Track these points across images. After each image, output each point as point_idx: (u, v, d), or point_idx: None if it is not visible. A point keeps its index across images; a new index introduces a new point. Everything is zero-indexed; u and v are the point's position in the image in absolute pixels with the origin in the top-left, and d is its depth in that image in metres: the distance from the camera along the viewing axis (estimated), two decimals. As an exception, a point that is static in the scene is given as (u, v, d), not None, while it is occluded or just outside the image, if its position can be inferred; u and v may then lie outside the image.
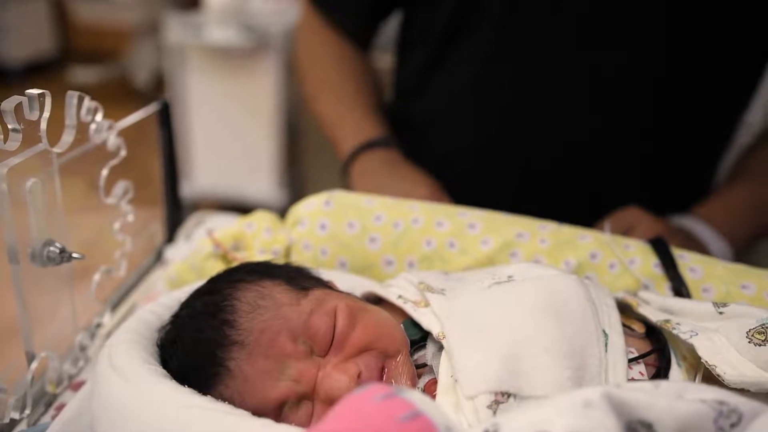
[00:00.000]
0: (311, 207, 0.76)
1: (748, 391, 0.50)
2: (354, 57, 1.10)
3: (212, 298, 0.54)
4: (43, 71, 4.70)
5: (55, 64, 4.83)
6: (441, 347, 0.54)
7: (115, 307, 0.77)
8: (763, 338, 0.51)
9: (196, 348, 0.52)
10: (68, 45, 5.04)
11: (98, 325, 0.72)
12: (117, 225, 0.71)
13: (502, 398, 0.47)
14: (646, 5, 0.87)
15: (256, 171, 3.01)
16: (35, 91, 0.52)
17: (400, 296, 0.59)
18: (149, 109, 0.86)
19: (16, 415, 0.58)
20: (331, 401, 0.49)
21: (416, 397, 0.37)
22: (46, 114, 0.54)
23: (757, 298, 0.66)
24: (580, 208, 0.89)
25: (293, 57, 2.70)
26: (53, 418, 0.61)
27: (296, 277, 0.57)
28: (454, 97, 1.01)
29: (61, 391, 0.65)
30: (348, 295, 0.58)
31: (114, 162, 0.67)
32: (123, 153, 0.68)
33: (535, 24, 0.90)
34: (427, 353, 0.55)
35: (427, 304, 0.57)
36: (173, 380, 0.50)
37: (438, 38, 0.98)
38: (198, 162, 3.01)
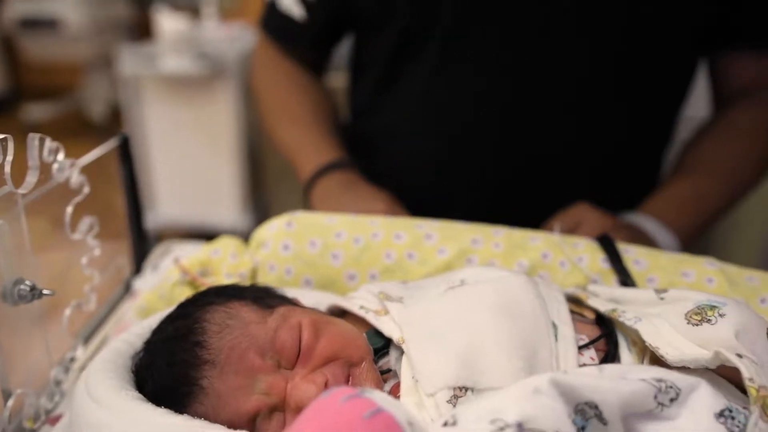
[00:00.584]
0: (273, 229, 0.78)
1: (689, 368, 0.54)
2: (309, 83, 1.14)
3: (183, 322, 0.57)
4: (-4, 110, 4.64)
5: (7, 102, 4.77)
6: (403, 352, 0.57)
7: (86, 340, 0.78)
8: (699, 318, 0.55)
9: (169, 370, 0.54)
10: (20, 82, 4.98)
11: (72, 359, 0.73)
12: (84, 260, 0.73)
13: (460, 392, 0.50)
14: (586, 15, 0.92)
15: (220, 198, 3.02)
16: (-1, 136, 0.54)
17: (361, 306, 0.62)
18: (109, 145, 0.88)
19: (-5, 453, 0.59)
20: (301, 410, 0.52)
21: (378, 396, 0.40)
22: (10, 157, 0.56)
23: (696, 284, 0.71)
24: (533, 212, 0.93)
25: (250, 83, 2.73)
26: (33, 452, 0.62)
27: (262, 297, 0.60)
28: (405, 115, 1.05)
29: (39, 426, 0.66)
30: (312, 310, 0.61)
31: (78, 199, 0.69)
32: (86, 190, 0.69)
33: (478, 40, 0.94)
34: (391, 359, 0.58)
35: (387, 313, 0.60)
36: (149, 403, 0.52)
37: (387, 59, 1.02)
38: (160, 192, 3.01)
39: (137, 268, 0.96)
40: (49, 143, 0.62)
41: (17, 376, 0.63)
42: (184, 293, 0.76)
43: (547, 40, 0.94)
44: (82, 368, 0.75)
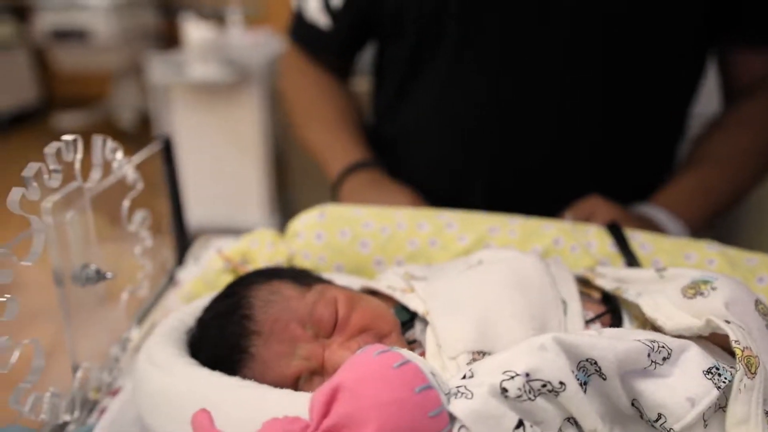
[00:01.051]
0: (307, 221, 0.86)
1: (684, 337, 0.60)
2: (335, 87, 1.22)
3: (231, 300, 0.64)
4: (28, 120, 4.79)
5: (39, 112, 4.92)
6: (426, 324, 0.64)
7: (139, 323, 0.86)
8: (693, 292, 0.61)
9: (221, 340, 0.62)
10: (51, 92, 5.14)
11: (127, 339, 0.81)
12: (138, 250, 0.81)
13: (478, 356, 0.57)
14: (591, 19, 0.98)
15: (247, 199, 3.11)
16: (70, 137, 0.62)
17: (389, 286, 0.69)
18: (154, 147, 0.96)
19: (67, 417, 0.67)
20: (337, 373, 0.59)
21: (405, 351, 0.47)
22: (79, 155, 0.64)
23: (698, 265, 0.77)
24: (546, 206, 0.99)
25: (278, 90, 2.81)
26: (97, 419, 0.70)
27: (300, 276, 0.68)
28: (419, 120, 1.13)
29: (101, 397, 0.74)
30: (345, 287, 0.69)
31: (133, 194, 0.76)
32: (140, 185, 0.77)
33: (488, 48, 1.01)
34: (416, 331, 0.65)
35: (412, 290, 0.67)
36: (205, 368, 0.59)
37: (404, 66, 1.10)
38: (190, 196, 3.09)
39: (180, 260, 1.04)
40: (110, 143, 0.70)
41: (82, 352, 0.71)
42: (227, 280, 0.83)
43: (551, 41, 0.99)
44: (136, 348, 0.83)
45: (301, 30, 1.22)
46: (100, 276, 0.68)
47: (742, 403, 0.52)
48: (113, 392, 0.75)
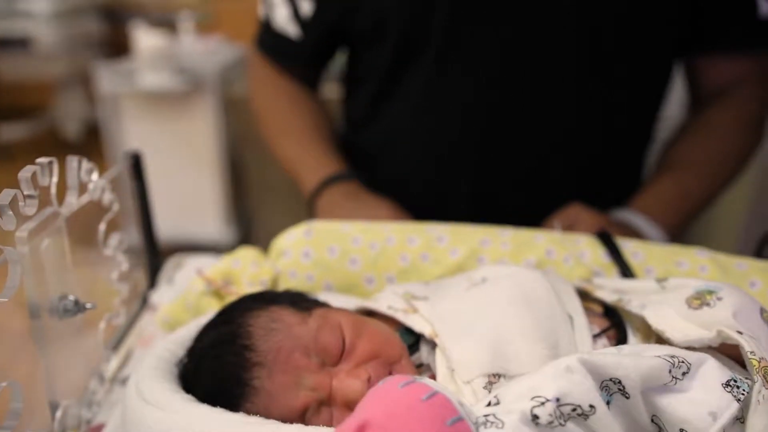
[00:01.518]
0: (293, 238, 0.82)
1: (694, 348, 0.59)
2: (306, 98, 1.18)
3: (228, 328, 0.61)
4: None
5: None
6: (433, 346, 0.61)
7: (114, 350, 0.81)
8: (699, 303, 0.61)
9: (220, 373, 0.58)
10: (-9, 103, 4.92)
11: (104, 371, 0.76)
12: (114, 274, 0.76)
13: (494, 379, 0.55)
14: (569, 24, 0.98)
15: (203, 211, 3.03)
16: (45, 159, 0.57)
17: (389, 306, 0.67)
18: (123, 163, 0.91)
19: (47, 462, 0.62)
20: (348, 404, 0.56)
21: (430, 381, 0.45)
22: (55, 179, 0.59)
23: (691, 272, 0.77)
24: (526, 214, 0.98)
25: (249, 102, 2.76)
26: (80, 460, 0.65)
27: (298, 301, 0.64)
28: (399, 129, 1.10)
29: (82, 436, 0.69)
30: (346, 310, 0.66)
31: (110, 216, 0.72)
32: (116, 207, 0.73)
33: (468, 55, 1.00)
34: (422, 354, 0.63)
35: (415, 311, 0.65)
36: (205, 404, 0.56)
37: (382, 73, 1.07)
38: (143, 209, 3.00)
39: (152, 282, 0.99)
40: (85, 164, 0.66)
41: (60, 387, 0.66)
42: (211, 303, 0.79)
43: (531, 50, 0.99)
44: (113, 379, 0.78)
45: (269, 40, 1.18)
46: (79, 307, 0.64)
47: (761, 415, 0.51)
48: (93, 429, 0.70)
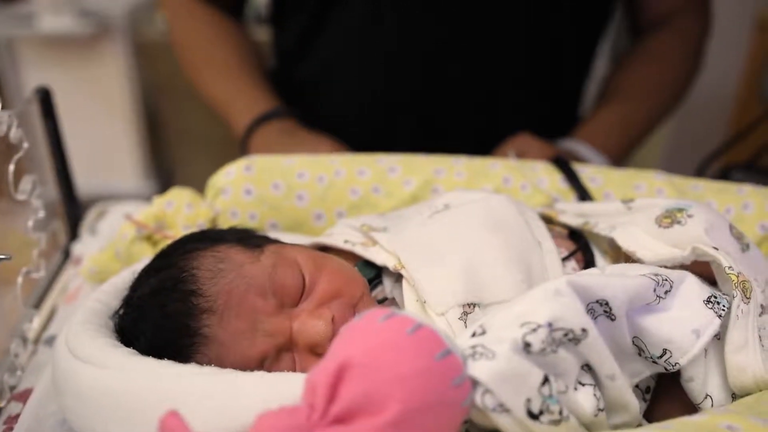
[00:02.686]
0: (232, 175, 0.75)
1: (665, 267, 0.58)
2: (231, 28, 1.08)
3: (168, 273, 0.54)
4: None
5: None
6: (398, 279, 0.57)
7: (36, 308, 0.73)
8: (669, 221, 0.59)
9: (164, 323, 0.51)
10: None
11: (26, 330, 0.68)
12: (30, 223, 0.67)
13: (469, 309, 0.51)
14: None
15: (119, 164, 2.86)
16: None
17: (346, 241, 0.61)
18: (30, 99, 0.81)
19: (-34, 434, 0.55)
20: (311, 347, 0.51)
21: (412, 314, 0.40)
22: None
23: (648, 195, 0.75)
24: (474, 147, 0.95)
25: (148, 42, 2.57)
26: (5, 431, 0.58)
27: (246, 238, 0.58)
28: (335, 59, 1.03)
29: (5, 403, 0.61)
30: (301, 246, 0.60)
31: (19, 155, 0.62)
32: (26, 145, 0.63)
33: None
34: (385, 287, 0.58)
35: (374, 243, 0.60)
36: (150, 357, 0.49)
37: (316, 3, 0.99)
38: (52, 164, 2.80)
39: (73, 233, 0.89)
40: (-15, 93, 0.56)
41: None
42: (144, 250, 0.72)
43: None
44: (37, 339, 0.70)
45: None
46: (-9, 258, 0.55)
47: (740, 329, 0.50)
48: (19, 396, 0.62)
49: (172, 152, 2.77)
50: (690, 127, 1.94)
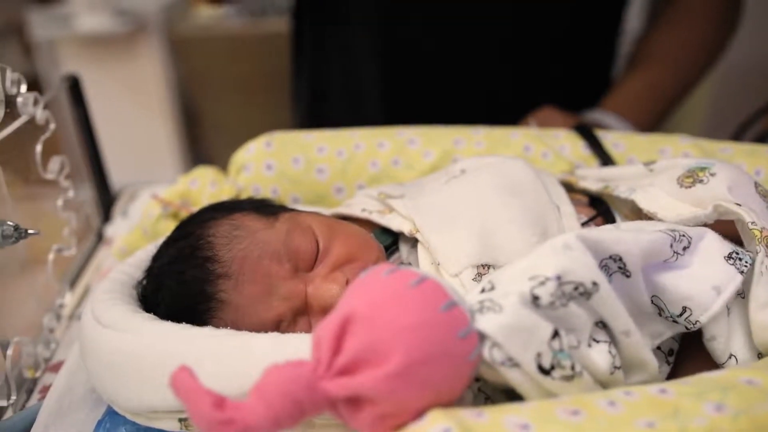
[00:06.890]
0: (253, 151, 0.76)
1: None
2: None
3: (186, 242, 0.55)
4: None
5: None
6: (414, 244, 0.57)
7: (71, 286, 0.75)
8: (691, 181, 0.57)
9: (182, 290, 0.53)
10: None
11: (61, 306, 0.70)
12: (60, 202, 0.69)
13: (483, 270, 0.51)
14: None
15: (158, 159, 2.91)
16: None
17: (363, 209, 0.62)
18: (60, 86, 0.83)
19: (3, 402, 0.57)
20: (326, 310, 0.52)
21: (415, 269, 0.40)
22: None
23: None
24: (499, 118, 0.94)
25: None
26: (40, 400, 0.60)
27: (262, 206, 0.59)
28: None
29: (40, 374, 0.64)
30: (316, 213, 0.60)
31: (46, 136, 0.65)
32: (53, 126, 0.65)
33: None
34: (402, 253, 0.58)
35: (391, 211, 0.60)
36: (169, 321, 0.50)
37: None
38: (94, 159, 2.87)
39: (105, 215, 0.92)
40: (10, 74, 0.58)
41: (10, 325, 0.60)
42: (170, 227, 0.73)
43: None
44: (72, 315, 0.72)
45: None
46: (20, 233, 0.57)
47: (764, 286, 0.48)
48: (53, 367, 0.65)
49: (209, 145, 2.81)
50: (731, 92, 1.86)
